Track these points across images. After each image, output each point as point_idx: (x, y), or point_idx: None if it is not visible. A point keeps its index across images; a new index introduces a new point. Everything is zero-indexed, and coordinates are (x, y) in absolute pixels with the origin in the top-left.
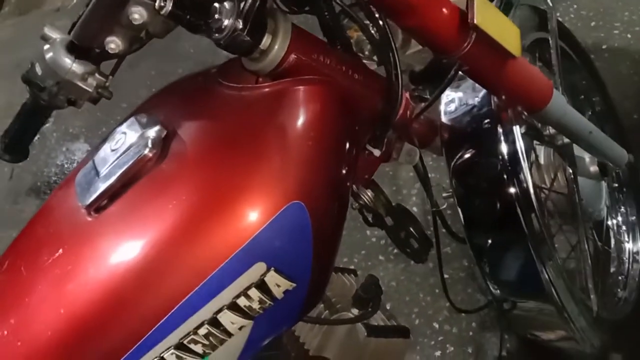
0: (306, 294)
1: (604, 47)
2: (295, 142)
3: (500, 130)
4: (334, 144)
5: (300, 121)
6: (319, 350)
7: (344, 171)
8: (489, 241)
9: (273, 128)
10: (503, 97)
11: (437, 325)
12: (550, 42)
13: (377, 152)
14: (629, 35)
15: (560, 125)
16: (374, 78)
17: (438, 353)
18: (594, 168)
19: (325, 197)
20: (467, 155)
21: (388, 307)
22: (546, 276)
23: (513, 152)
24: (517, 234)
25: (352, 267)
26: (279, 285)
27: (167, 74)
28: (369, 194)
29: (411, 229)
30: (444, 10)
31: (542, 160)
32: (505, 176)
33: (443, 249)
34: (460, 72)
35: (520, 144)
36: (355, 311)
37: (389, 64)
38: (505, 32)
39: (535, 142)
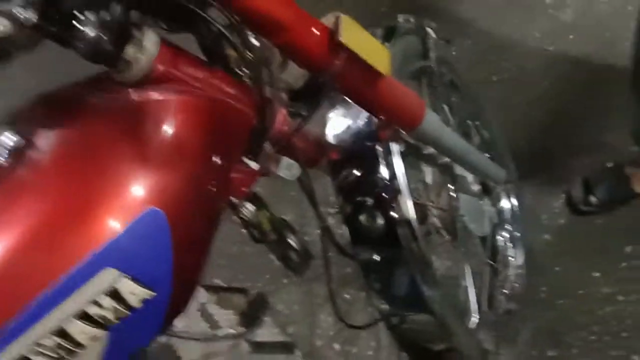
0: (168, 304)
1: (494, 79)
2: (157, 151)
3: (379, 148)
4: (199, 155)
5: (163, 130)
6: None
7: (211, 182)
8: (374, 257)
9: (134, 136)
10: (381, 116)
11: (338, 346)
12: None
13: (254, 165)
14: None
15: (437, 144)
16: (248, 94)
17: None
18: (476, 186)
19: (188, 206)
20: (351, 174)
21: (291, 331)
22: (425, 292)
23: (391, 170)
24: (397, 250)
25: (255, 291)
26: (134, 294)
27: None
28: (249, 207)
29: (290, 242)
30: (314, 29)
31: (429, 180)
32: (385, 194)
33: (344, 268)
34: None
35: (397, 162)
36: (240, 329)
37: (258, 81)
38: (374, 52)
39: (422, 162)
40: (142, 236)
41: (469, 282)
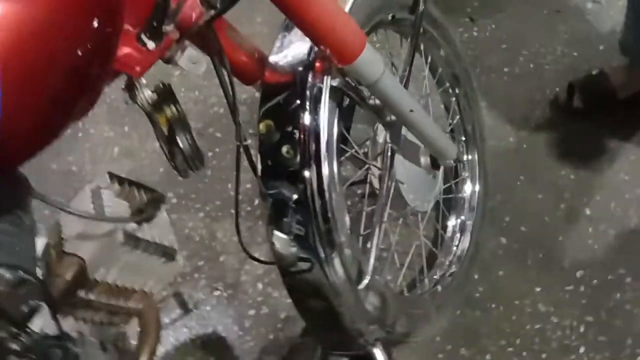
0: None
1: (505, 69)
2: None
3: (309, 79)
4: (60, 15)
5: None
6: (74, 247)
7: (79, 46)
8: (281, 194)
9: None
10: (318, 44)
11: (260, 286)
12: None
13: (151, 45)
14: (531, 65)
15: (377, 90)
16: None
17: (252, 312)
18: (425, 159)
19: (33, 66)
20: (278, 99)
21: (222, 259)
22: (317, 240)
23: (313, 105)
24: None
25: (201, 214)
26: None
27: None
28: (146, 93)
29: (179, 141)
30: None
31: (380, 139)
32: (305, 131)
33: None
34: None
35: (324, 97)
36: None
37: None
38: None
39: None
40: None
41: (374, 243)
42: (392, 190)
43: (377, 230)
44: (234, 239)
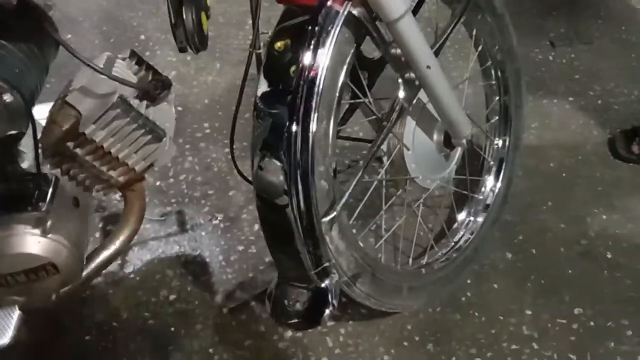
0: None
1: (570, 99)
2: None
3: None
4: None
5: None
6: (76, 100)
7: None
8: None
9: None
10: None
11: (256, 227)
12: None
13: None
14: (599, 101)
15: (396, 32)
16: None
17: (241, 248)
18: (439, 136)
19: None
20: (299, 20)
21: (230, 194)
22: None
23: (328, 29)
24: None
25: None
26: None
27: None
28: None
29: (184, 20)
30: None
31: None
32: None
33: None
34: None
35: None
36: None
37: None
38: None
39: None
40: None
41: (351, 184)
42: (392, 149)
43: (360, 173)
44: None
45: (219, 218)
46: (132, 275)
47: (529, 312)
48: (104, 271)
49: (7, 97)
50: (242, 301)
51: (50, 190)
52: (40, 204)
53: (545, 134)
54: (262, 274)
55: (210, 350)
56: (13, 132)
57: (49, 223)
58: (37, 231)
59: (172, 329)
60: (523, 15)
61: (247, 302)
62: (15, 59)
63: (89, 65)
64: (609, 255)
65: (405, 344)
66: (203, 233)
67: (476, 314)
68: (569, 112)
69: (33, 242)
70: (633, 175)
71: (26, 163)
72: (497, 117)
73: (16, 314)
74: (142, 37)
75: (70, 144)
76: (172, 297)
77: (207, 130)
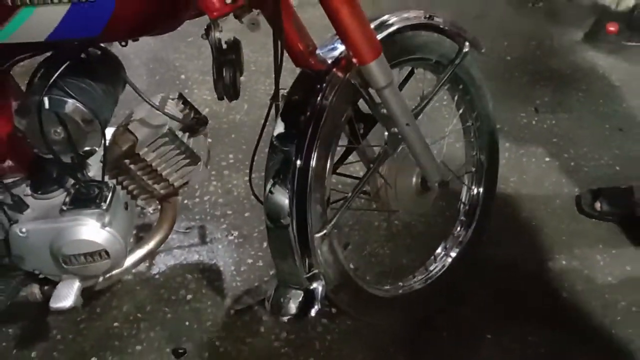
0: (111, 15)
1: (546, 159)
2: None
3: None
4: None
5: None
6: (135, 128)
7: None
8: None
9: None
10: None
11: (265, 244)
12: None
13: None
14: (572, 163)
15: (383, 96)
16: None
17: (250, 261)
18: (417, 180)
19: None
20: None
21: (246, 215)
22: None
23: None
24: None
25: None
26: None
27: None
28: (217, 34)
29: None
30: None
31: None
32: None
33: None
34: None
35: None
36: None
37: None
38: None
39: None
40: None
41: (340, 212)
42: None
43: (347, 202)
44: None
45: (234, 234)
46: (157, 276)
47: (489, 336)
48: (133, 270)
49: (91, 122)
50: (247, 305)
51: (110, 194)
52: (102, 203)
53: (521, 188)
54: (265, 284)
55: (217, 343)
56: (89, 148)
57: (107, 219)
58: (97, 224)
59: (187, 323)
60: (513, 83)
61: (251, 306)
62: (97, 94)
63: (148, 102)
64: (564, 295)
65: (381, 352)
66: (220, 246)
67: (444, 334)
68: (544, 170)
69: (94, 232)
70: (594, 229)
71: (91, 172)
72: (473, 169)
73: (76, 285)
74: (183, 76)
75: (126, 161)
76: (189, 296)
77: (231, 160)
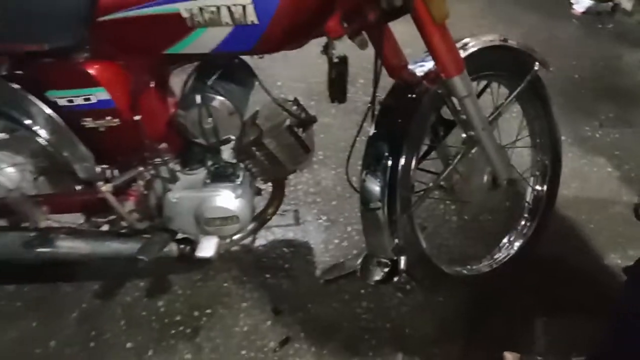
0: (261, 35)
1: (608, 169)
2: None
3: (424, 82)
4: None
5: None
6: (261, 121)
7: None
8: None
9: None
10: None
11: (349, 228)
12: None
13: (345, 25)
14: (632, 174)
15: (463, 104)
16: None
17: (336, 241)
18: (488, 177)
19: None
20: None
21: (333, 203)
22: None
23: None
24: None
25: (333, 172)
26: (248, 14)
27: None
28: (334, 51)
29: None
30: None
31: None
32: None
33: None
34: None
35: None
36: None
37: None
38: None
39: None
40: None
41: (419, 199)
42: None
43: (428, 193)
44: (347, 192)
45: (323, 218)
46: (259, 248)
47: (544, 319)
48: (241, 242)
49: (233, 115)
50: (334, 277)
51: (241, 172)
52: (236, 179)
53: (582, 193)
54: (349, 260)
55: (309, 306)
56: (228, 136)
57: (239, 192)
58: (232, 194)
59: (284, 287)
60: (579, 99)
61: (338, 278)
62: (238, 93)
63: (273, 100)
64: (616, 290)
65: (446, 326)
66: (311, 227)
67: (501, 315)
68: (605, 179)
69: (229, 201)
70: None
71: (224, 155)
72: (538, 173)
73: (215, 240)
74: (279, 83)
75: (253, 148)
76: (286, 265)
77: (321, 157)
